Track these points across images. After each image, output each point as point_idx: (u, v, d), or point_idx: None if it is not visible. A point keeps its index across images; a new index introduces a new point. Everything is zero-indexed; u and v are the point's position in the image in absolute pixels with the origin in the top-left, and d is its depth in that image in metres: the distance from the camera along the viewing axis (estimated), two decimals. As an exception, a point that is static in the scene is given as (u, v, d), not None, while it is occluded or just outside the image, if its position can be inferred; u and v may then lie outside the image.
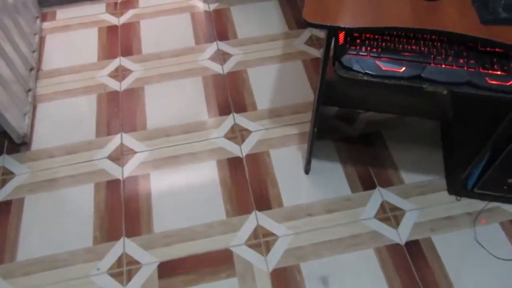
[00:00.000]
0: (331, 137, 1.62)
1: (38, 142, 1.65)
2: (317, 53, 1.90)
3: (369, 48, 1.03)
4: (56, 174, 1.56)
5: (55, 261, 1.36)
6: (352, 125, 1.65)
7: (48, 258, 1.37)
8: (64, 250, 1.38)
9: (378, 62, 1.02)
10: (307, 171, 1.53)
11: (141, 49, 1.95)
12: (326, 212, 1.44)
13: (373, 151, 1.58)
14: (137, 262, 1.35)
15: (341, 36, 1.05)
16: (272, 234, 1.40)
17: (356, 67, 1.02)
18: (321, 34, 1.97)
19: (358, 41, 1.04)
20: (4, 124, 1.50)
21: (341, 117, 1.68)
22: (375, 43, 1.03)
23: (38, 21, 2.01)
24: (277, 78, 1.82)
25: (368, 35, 1.05)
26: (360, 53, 1.03)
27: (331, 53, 1.08)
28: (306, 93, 1.76)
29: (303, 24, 1.97)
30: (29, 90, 1.74)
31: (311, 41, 1.95)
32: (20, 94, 1.65)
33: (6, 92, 1.53)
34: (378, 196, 1.47)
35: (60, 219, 1.45)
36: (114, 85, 1.82)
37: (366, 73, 1.02)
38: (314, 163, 1.54)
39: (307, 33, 1.99)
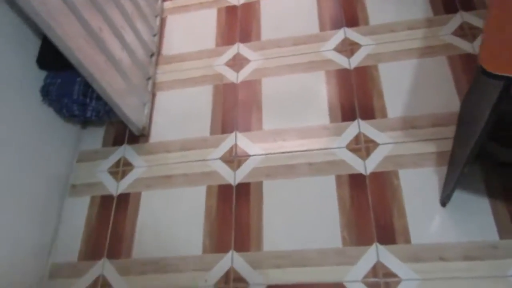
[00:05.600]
0: (479, 162, 1.33)
1: (156, 134, 1.64)
2: (468, 46, 1.55)
3: None
4: (171, 171, 1.55)
5: (167, 264, 1.38)
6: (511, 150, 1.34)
7: (161, 260, 1.39)
8: (174, 254, 1.39)
9: None
10: (443, 203, 1.29)
11: (260, 34, 1.79)
12: (463, 259, 1.21)
13: (534, 187, 1.27)
14: (244, 280, 1.30)
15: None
16: (395, 275, 1.22)
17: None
18: (476, 21, 1.60)
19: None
20: (124, 119, 1.51)
21: (497, 138, 1.36)
22: None
23: (159, 0, 1.95)
24: (414, 78, 1.54)
25: None
26: None
27: None
28: (450, 100, 1.46)
29: (451, 8, 1.64)
30: (149, 78, 1.72)
31: (462, 31, 1.59)
32: (140, 83, 1.64)
33: (125, 83, 1.50)
34: (537, 248, 1.18)
35: (172, 220, 1.46)
36: (231, 75, 1.71)
37: None
38: (454, 194, 1.29)
39: (457, 19, 1.62)
